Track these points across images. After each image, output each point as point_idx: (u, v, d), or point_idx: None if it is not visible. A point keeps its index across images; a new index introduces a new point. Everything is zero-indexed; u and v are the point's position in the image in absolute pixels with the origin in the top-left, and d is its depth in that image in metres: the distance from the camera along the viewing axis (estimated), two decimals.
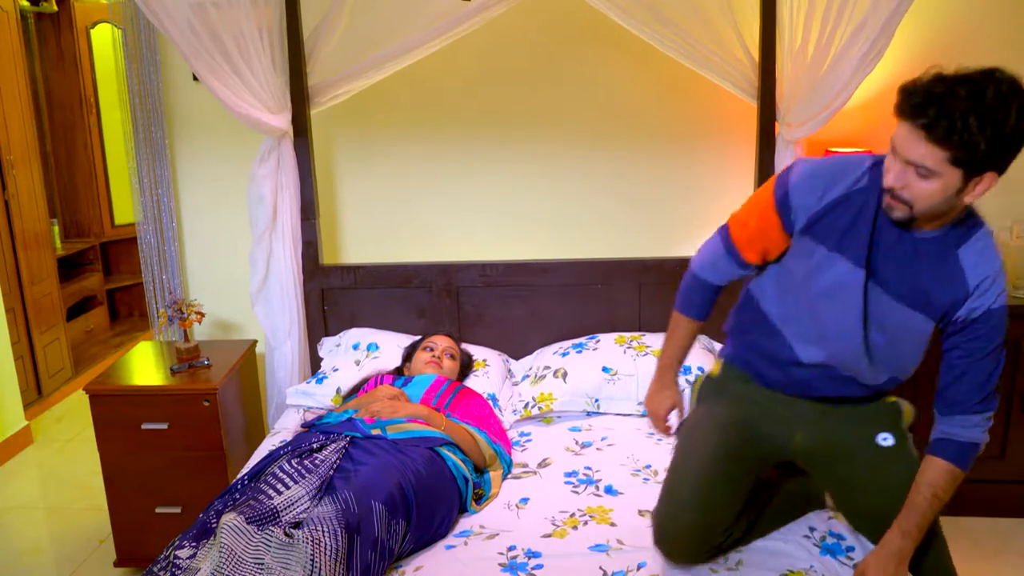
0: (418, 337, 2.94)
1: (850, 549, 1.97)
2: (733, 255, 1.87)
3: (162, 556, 1.93)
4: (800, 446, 1.96)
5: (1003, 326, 1.70)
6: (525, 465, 2.44)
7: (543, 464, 2.43)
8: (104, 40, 5.33)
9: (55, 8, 5.10)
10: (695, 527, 1.83)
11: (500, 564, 1.94)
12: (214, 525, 1.94)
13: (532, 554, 1.97)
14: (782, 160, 2.83)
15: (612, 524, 2.09)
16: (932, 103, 1.48)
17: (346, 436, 2.23)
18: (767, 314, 1.89)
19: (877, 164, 1.70)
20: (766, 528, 2.01)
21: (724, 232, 1.89)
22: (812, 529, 2.04)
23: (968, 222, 1.69)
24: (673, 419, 2.06)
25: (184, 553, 1.90)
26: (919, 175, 1.54)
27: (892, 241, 1.70)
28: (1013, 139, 1.49)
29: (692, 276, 1.97)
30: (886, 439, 1.87)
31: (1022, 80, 1.50)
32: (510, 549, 2.00)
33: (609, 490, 2.26)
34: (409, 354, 2.86)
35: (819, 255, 1.73)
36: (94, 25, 5.37)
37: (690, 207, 3.19)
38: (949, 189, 1.54)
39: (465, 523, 2.15)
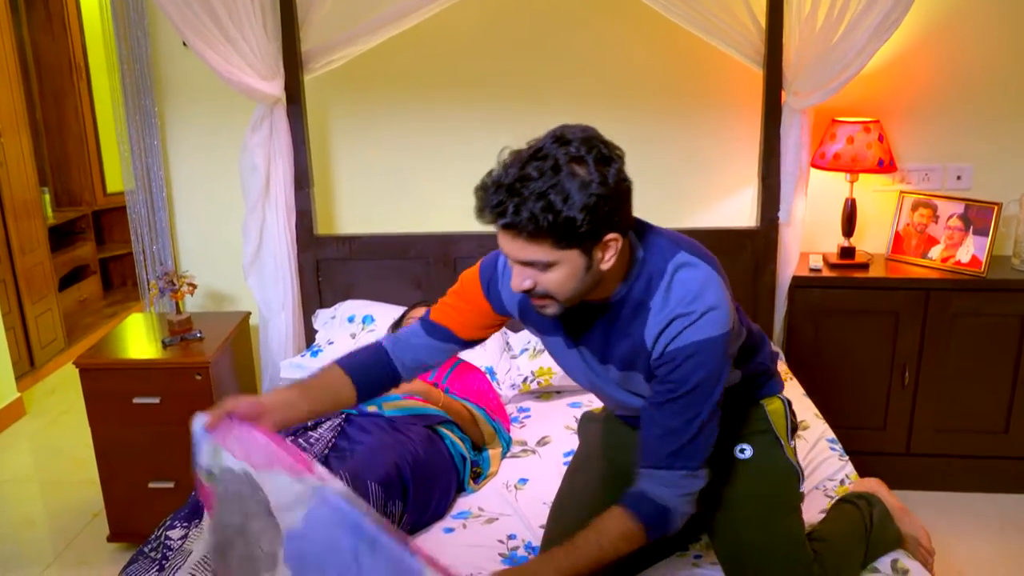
0: (405, 309, 2.83)
1: None
2: None
3: (153, 536, 1.91)
4: None
5: (694, 368, 1.44)
6: (524, 443, 2.40)
7: (542, 442, 2.39)
8: (92, 2, 5.21)
9: None
10: None
11: (501, 554, 1.89)
12: None
13: (532, 548, 1.91)
14: (788, 130, 2.77)
15: None
16: (504, 198, 1.33)
17: (342, 413, 2.19)
18: None
19: None
20: None
21: None
22: None
23: (648, 273, 1.52)
24: None
25: (176, 534, 1.88)
26: (540, 270, 1.39)
27: (580, 319, 1.58)
28: (603, 200, 1.34)
29: None
30: (743, 451, 1.72)
31: (590, 134, 1.38)
32: (511, 538, 1.95)
33: None
34: (397, 326, 2.77)
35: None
36: None
37: (694, 177, 3.12)
38: (577, 270, 1.39)
39: (463, 503, 2.12)
